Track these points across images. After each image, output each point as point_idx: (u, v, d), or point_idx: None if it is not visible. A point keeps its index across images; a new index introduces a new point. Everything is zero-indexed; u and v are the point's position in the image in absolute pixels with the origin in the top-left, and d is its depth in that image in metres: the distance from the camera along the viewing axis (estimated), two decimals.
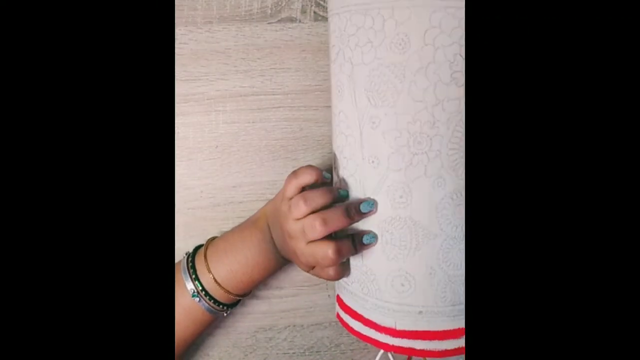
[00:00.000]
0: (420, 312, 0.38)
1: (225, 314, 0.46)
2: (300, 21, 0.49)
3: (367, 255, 0.39)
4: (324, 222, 0.37)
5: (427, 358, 0.39)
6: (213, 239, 0.47)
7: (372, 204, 0.37)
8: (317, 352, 0.54)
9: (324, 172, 0.39)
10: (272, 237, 0.43)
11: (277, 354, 0.53)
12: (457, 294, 0.37)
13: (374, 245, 0.38)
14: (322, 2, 0.49)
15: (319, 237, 0.37)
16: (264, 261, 0.44)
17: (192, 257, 0.45)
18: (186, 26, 0.48)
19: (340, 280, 0.42)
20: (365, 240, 0.37)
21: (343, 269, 0.40)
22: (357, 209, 0.37)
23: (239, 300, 0.46)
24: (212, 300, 0.43)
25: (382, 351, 0.43)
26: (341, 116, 0.39)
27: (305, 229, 0.37)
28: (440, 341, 0.38)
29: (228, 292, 0.43)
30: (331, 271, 0.39)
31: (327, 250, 0.37)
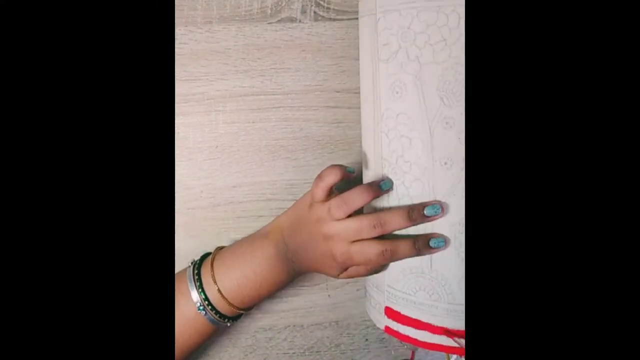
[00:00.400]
0: None
1: (227, 325, 0.44)
2: (300, 21, 0.49)
3: (436, 261, 0.37)
4: (382, 224, 0.37)
5: None
6: (221, 248, 0.45)
7: (439, 208, 0.36)
8: (317, 352, 0.54)
9: (347, 168, 0.38)
10: (286, 252, 0.42)
11: (277, 354, 0.53)
12: None
13: (442, 250, 0.37)
14: (322, 2, 0.49)
15: (374, 236, 0.37)
16: (273, 277, 0.42)
17: (198, 265, 0.44)
18: (186, 26, 0.48)
19: (394, 292, 0.41)
20: (432, 243, 0.36)
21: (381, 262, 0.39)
22: (420, 212, 0.36)
23: (242, 314, 0.45)
24: (214, 311, 0.42)
25: (455, 357, 0.42)
26: (401, 118, 0.37)
27: (363, 229, 0.37)
28: None
29: (232, 305, 0.42)
30: (369, 266, 0.39)
31: (381, 249, 0.36)
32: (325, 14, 0.49)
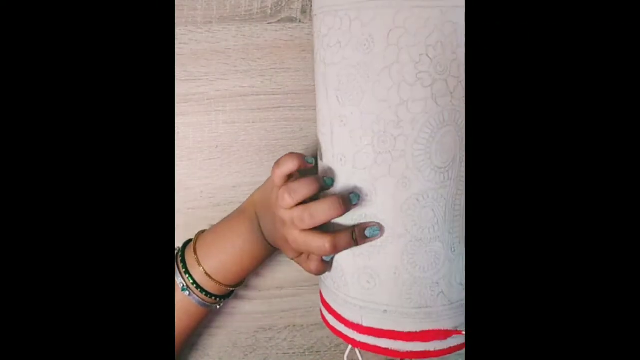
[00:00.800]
0: (385, 311, 0.38)
1: (218, 306, 0.46)
2: (300, 21, 0.49)
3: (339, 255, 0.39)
4: (312, 215, 0.37)
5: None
6: (202, 232, 0.47)
7: (359, 196, 0.37)
8: (317, 352, 0.54)
9: (306, 158, 0.38)
10: (259, 225, 0.43)
11: (277, 354, 0.53)
12: (423, 297, 0.37)
13: (377, 238, 0.37)
14: None
15: (308, 228, 0.37)
16: (253, 249, 0.44)
17: (182, 252, 0.46)
18: (186, 26, 0.48)
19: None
20: (367, 233, 0.37)
21: (326, 265, 0.40)
22: (345, 201, 0.37)
23: (232, 291, 0.47)
24: (204, 293, 0.44)
25: (350, 346, 0.44)
26: (319, 114, 0.40)
27: (295, 220, 0.37)
28: (405, 342, 0.38)
29: (219, 283, 0.44)
30: (313, 265, 0.39)
31: (324, 243, 0.37)
32: None
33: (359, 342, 0.39)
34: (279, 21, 0.49)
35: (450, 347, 0.38)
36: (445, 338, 0.38)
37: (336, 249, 0.37)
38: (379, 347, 0.39)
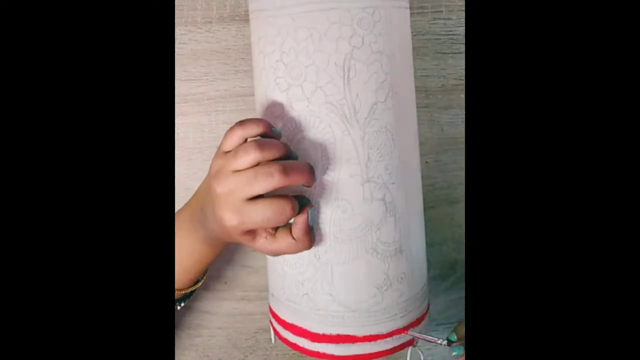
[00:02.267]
0: (272, 295, 0.41)
1: (178, 308, 0.43)
2: None
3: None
4: (286, 171, 0.32)
5: None
6: None
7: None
8: None
9: (273, 128, 0.35)
10: (199, 216, 0.38)
11: (276, 354, 0.53)
12: (291, 293, 0.39)
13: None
14: None
15: (270, 190, 0.33)
16: (190, 245, 0.39)
17: None
18: (186, 26, 0.48)
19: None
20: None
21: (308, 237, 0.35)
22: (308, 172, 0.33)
23: (190, 293, 0.43)
24: None
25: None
26: None
27: (258, 177, 0.32)
28: (282, 328, 0.40)
29: None
30: (297, 231, 0.34)
31: (285, 205, 0.33)
32: None
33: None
34: None
35: (318, 352, 0.39)
36: (313, 341, 0.38)
37: (294, 210, 0.33)
38: (274, 327, 0.42)
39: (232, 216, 0.33)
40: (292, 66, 0.35)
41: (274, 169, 0.32)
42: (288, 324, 0.40)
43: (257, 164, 0.33)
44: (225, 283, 0.51)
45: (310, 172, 0.33)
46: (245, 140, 0.35)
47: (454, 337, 0.37)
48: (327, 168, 0.36)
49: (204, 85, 0.49)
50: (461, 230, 0.51)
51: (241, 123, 0.35)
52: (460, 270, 0.52)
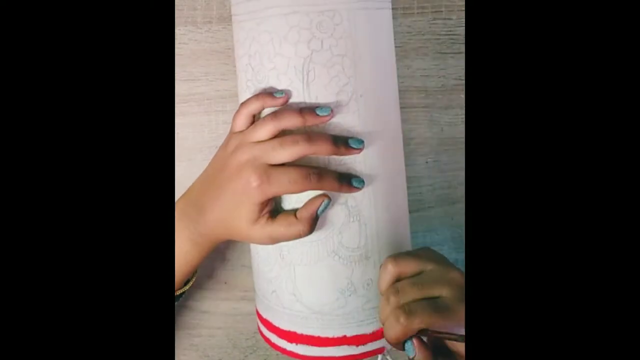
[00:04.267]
0: (254, 290, 0.42)
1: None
2: None
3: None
4: (310, 139, 0.33)
5: None
6: None
7: (362, 142, 0.35)
8: None
9: (274, 92, 0.36)
10: (190, 213, 0.38)
11: (277, 354, 0.53)
12: (262, 288, 0.40)
13: (360, 190, 0.35)
14: None
15: (295, 158, 0.34)
16: (178, 245, 0.38)
17: None
18: (186, 26, 0.48)
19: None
20: (355, 182, 0.35)
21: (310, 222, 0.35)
22: (345, 143, 0.34)
23: (179, 295, 0.42)
24: None
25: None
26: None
27: (284, 144, 0.33)
28: (259, 320, 0.41)
29: None
30: (299, 225, 0.35)
31: (306, 172, 0.33)
32: None
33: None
34: None
35: (285, 350, 0.39)
36: (281, 337, 0.39)
37: (320, 183, 0.34)
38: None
39: (258, 178, 0.34)
40: (258, 70, 0.36)
41: (299, 137, 0.33)
42: (263, 318, 0.40)
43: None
44: (225, 283, 0.51)
45: (334, 143, 0.34)
46: (254, 117, 0.36)
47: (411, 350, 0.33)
48: None
49: (204, 85, 0.49)
50: (461, 230, 0.51)
51: (244, 103, 0.36)
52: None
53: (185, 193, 0.41)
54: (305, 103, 0.35)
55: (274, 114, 0.35)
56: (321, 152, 0.34)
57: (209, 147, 0.49)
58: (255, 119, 0.37)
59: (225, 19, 0.48)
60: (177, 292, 0.42)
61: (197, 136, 0.49)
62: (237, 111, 0.37)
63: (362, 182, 0.35)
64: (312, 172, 0.34)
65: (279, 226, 0.35)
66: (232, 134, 0.37)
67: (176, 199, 0.49)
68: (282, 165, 0.34)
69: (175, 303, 0.44)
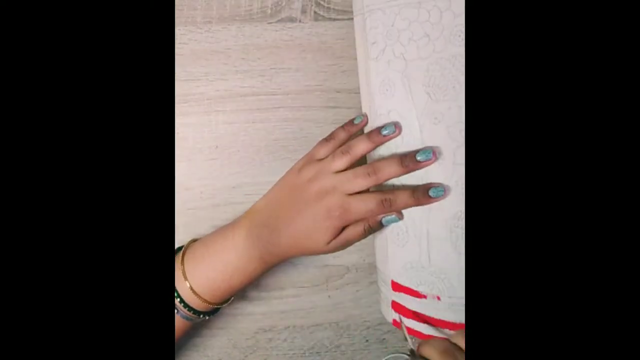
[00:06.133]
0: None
1: (206, 319, 0.43)
2: (300, 21, 0.48)
3: (435, 256, 0.38)
4: (376, 171, 0.37)
5: None
6: (193, 241, 0.43)
7: (430, 153, 0.36)
8: (317, 353, 0.54)
9: (354, 119, 0.41)
10: (260, 234, 0.40)
11: (277, 355, 0.53)
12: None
13: (441, 199, 0.36)
14: (322, 2, 0.48)
15: (368, 187, 0.38)
16: (245, 265, 0.40)
17: None
18: (186, 26, 0.48)
19: (396, 288, 0.41)
20: (432, 193, 0.36)
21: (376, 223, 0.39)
22: (413, 159, 0.36)
23: (218, 309, 0.43)
24: (187, 308, 0.40)
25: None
26: (392, 115, 0.38)
27: (357, 176, 0.37)
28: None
29: (205, 300, 0.40)
30: (363, 227, 0.39)
31: (380, 198, 0.37)
32: (325, 14, 0.49)
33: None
34: (278, 21, 0.48)
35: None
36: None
37: (395, 205, 0.37)
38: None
39: (340, 207, 0.38)
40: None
41: (370, 169, 0.38)
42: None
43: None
44: None
45: (399, 163, 0.37)
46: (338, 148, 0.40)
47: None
48: None
49: (204, 85, 0.49)
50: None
51: (332, 135, 0.41)
52: None
53: (248, 213, 0.42)
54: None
55: (348, 148, 0.39)
56: (391, 176, 0.38)
57: (209, 147, 0.49)
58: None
59: (226, 19, 0.48)
60: (222, 306, 0.43)
61: (197, 136, 0.49)
62: (321, 144, 0.41)
63: (441, 190, 0.36)
64: (386, 198, 0.37)
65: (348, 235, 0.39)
66: (308, 161, 0.41)
67: (176, 198, 0.50)
68: (359, 193, 0.38)
69: (211, 315, 0.44)
